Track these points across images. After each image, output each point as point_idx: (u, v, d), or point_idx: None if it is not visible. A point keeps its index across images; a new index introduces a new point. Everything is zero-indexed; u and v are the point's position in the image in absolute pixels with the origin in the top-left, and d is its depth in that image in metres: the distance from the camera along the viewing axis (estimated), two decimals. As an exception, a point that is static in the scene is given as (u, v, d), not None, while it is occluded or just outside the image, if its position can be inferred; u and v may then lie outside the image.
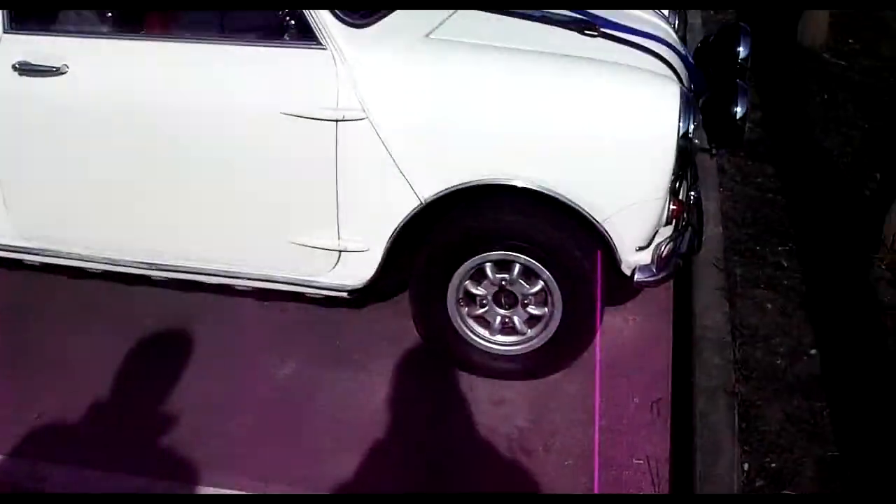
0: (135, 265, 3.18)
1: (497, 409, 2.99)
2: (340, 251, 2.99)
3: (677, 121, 2.70)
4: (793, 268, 3.45)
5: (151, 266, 3.17)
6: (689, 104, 2.74)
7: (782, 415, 2.74)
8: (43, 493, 2.33)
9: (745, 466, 2.53)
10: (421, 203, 2.82)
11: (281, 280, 3.10)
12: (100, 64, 2.93)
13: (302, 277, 3.07)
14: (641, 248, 2.91)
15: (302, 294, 3.15)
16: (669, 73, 3.04)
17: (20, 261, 3.32)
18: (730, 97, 3.05)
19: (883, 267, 3.38)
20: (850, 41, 5.63)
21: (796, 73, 5.15)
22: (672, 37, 3.41)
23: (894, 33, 5.84)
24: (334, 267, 3.02)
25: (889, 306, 3.21)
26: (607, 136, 2.73)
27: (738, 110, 3.01)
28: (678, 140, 2.71)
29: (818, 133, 4.47)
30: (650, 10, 3.55)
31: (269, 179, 2.92)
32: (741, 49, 3.26)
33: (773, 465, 2.57)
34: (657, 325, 3.35)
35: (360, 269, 3.01)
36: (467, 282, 2.99)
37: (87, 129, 2.97)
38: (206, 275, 3.15)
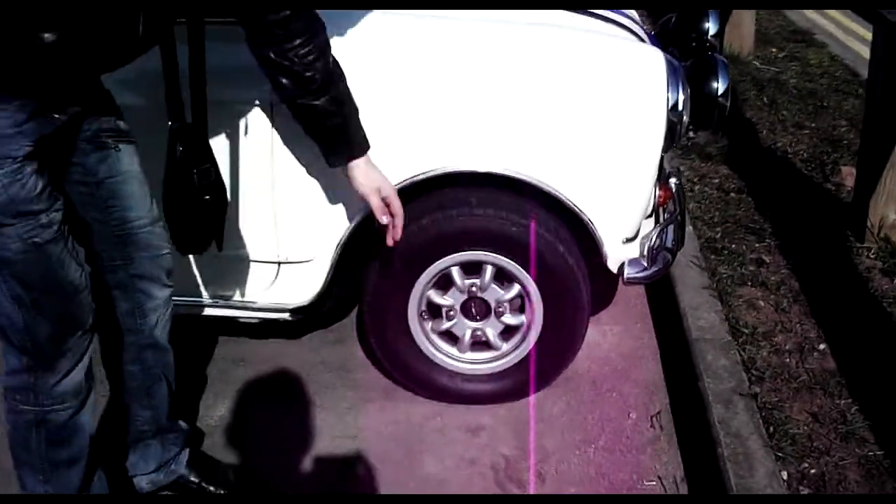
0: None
1: (475, 438, 2.56)
2: (280, 262, 2.54)
3: (665, 90, 2.38)
4: (776, 263, 3.16)
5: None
6: (677, 73, 2.43)
7: (808, 415, 2.40)
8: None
9: (784, 474, 2.17)
10: (376, 198, 2.39)
11: (208, 304, 2.61)
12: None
13: (236, 299, 2.59)
14: (629, 240, 2.56)
15: (234, 320, 2.67)
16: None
17: None
18: (706, 73, 2.74)
19: (872, 256, 3.12)
20: (774, 50, 5.54)
21: (733, 78, 4.97)
22: (633, 15, 3.12)
23: (816, 42, 5.81)
24: (273, 283, 2.56)
25: (888, 296, 2.94)
26: (585, 109, 2.38)
27: (720, 85, 2.70)
28: (667, 112, 2.39)
29: (767, 133, 4.27)
30: None
31: (192, 181, 2.44)
32: (710, 25, 2.99)
33: (813, 470, 2.21)
34: (639, 334, 2.99)
35: (304, 284, 2.56)
36: (430, 290, 2.58)
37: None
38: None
